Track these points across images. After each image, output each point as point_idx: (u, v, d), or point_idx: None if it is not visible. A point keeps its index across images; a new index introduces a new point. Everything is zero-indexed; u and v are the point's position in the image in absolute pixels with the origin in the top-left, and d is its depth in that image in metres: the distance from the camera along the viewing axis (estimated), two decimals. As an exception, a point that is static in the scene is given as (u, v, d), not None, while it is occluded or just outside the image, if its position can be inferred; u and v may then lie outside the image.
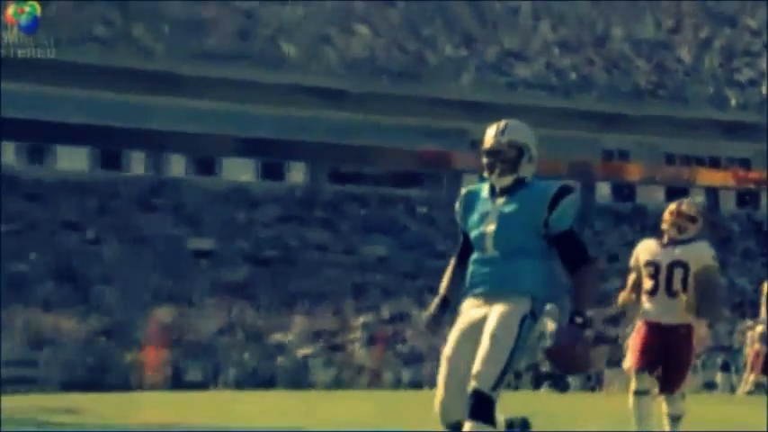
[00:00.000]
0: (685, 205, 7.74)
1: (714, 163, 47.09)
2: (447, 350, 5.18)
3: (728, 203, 46.66)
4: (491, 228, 5.13)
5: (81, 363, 27.05)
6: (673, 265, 7.52)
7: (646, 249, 7.74)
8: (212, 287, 32.89)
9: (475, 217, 5.23)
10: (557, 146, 43.20)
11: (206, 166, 40.81)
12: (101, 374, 26.48)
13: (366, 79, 41.80)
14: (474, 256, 5.25)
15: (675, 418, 7.67)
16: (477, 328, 5.11)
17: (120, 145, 39.82)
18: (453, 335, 5.22)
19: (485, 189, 5.28)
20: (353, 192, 41.48)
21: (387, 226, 39.91)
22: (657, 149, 46.00)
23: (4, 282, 31.74)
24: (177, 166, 40.67)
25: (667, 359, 7.57)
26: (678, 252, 7.55)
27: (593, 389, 26.70)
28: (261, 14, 43.23)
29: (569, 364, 5.22)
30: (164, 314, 29.49)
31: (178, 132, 39.45)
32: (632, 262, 7.80)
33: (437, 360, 5.40)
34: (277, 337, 29.89)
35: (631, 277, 7.81)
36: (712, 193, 45.84)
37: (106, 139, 39.35)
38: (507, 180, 5.16)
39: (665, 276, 7.53)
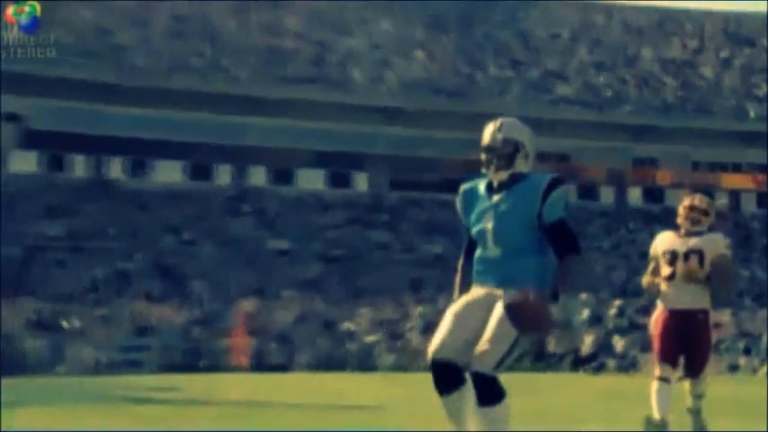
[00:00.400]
0: (698, 200, 7.47)
1: (736, 168, 46.27)
2: (455, 307, 4.80)
3: (749, 205, 45.83)
4: (490, 225, 4.77)
5: (178, 348, 27.12)
6: (689, 252, 7.22)
7: (664, 240, 7.45)
8: (289, 282, 32.76)
9: (474, 214, 4.87)
10: (594, 155, 43.42)
11: (283, 176, 40.64)
12: (195, 358, 26.53)
13: (422, 98, 41.76)
14: (477, 252, 4.87)
15: (698, 396, 7.40)
16: (486, 300, 4.73)
17: (210, 159, 40.06)
18: (462, 299, 4.84)
19: (482, 185, 4.91)
20: (412, 197, 41.26)
21: (442, 227, 39.62)
22: (684, 157, 45.35)
23: (114, 278, 32.48)
24: (259, 176, 40.57)
25: (689, 346, 7.26)
26: (693, 242, 7.27)
27: (626, 370, 26.38)
28: (332, 44, 43.43)
29: (528, 320, 4.54)
30: (248, 305, 29.43)
31: (259, 147, 39.69)
32: (651, 252, 7.49)
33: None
34: (346, 325, 29.77)
35: (651, 266, 7.48)
36: (735, 195, 45.25)
37: (198, 153, 39.69)
38: (503, 175, 4.79)
39: (682, 263, 7.23)
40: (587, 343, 27.41)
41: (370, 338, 29.09)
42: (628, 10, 50.11)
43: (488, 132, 4.87)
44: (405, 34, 45.07)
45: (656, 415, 7.15)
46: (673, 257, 7.26)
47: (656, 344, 7.38)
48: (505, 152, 4.80)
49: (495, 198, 4.82)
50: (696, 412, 7.46)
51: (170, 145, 38.87)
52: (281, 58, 41.79)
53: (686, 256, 7.23)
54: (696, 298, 7.23)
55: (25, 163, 37.95)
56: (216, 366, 25.70)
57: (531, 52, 46.50)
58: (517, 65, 45.56)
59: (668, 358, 7.25)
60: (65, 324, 27.75)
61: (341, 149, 40.21)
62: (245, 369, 25.41)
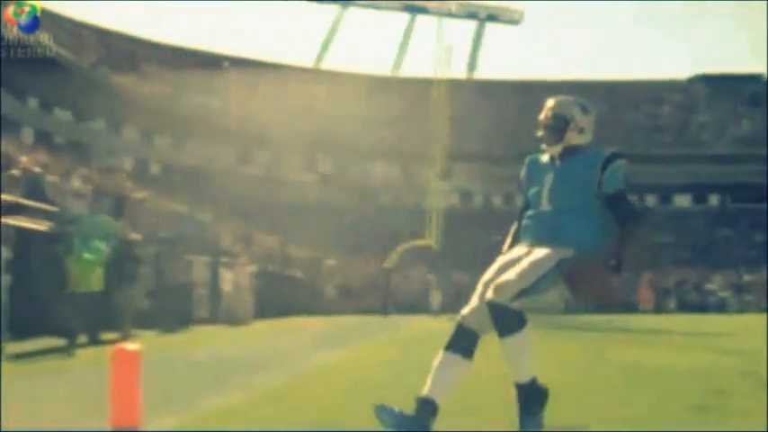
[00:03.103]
0: None
1: None
2: (485, 276, 2.81)
3: None
4: (547, 186, 2.86)
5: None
6: None
7: None
8: (671, 261, 30.31)
9: (535, 178, 2.92)
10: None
11: (666, 198, 36.75)
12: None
13: (745, 147, 37.40)
14: (529, 212, 2.90)
15: None
16: (517, 261, 2.78)
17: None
18: (494, 265, 2.84)
19: (545, 157, 2.95)
20: (744, 207, 36.38)
21: (761, 224, 34.28)
22: None
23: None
24: (651, 200, 36.33)
25: None
26: None
27: None
28: (688, 120, 39.63)
29: (587, 288, 2.65)
30: (648, 276, 26.78)
31: (648, 184, 35.03)
32: None
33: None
34: (707, 286, 27.30)
35: None
36: None
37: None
38: (557, 148, 2.86)
39: None
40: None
41: (723, 294, 27.02)
42: None
43: (543, 110, 2.95)
44: (734, 109, 40.39)
45: None
46: None
47: None
48: (557, 126, 2.87)
49: (557, 164, 2.89)
50: None
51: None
52: (659, 131, 39.04)
53: None
54: None
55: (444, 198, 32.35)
56: (632, 309, 24.07)
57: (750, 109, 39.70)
58: (738, 118, 39.35)
59: None
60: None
61: (699, 182, 36.92)
62: (650, 311, 23.85)
